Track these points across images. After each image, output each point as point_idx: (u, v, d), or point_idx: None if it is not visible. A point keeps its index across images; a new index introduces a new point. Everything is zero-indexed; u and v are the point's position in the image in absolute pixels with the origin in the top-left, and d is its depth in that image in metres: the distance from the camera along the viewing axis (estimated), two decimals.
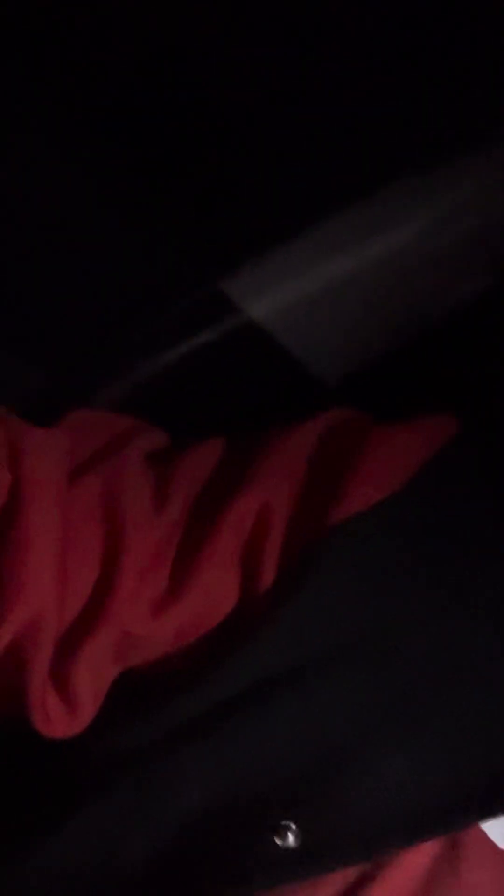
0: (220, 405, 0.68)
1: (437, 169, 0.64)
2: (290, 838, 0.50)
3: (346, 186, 0.64)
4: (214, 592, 0.55)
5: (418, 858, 0.51)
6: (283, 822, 0.51)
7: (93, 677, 0.54)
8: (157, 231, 0.66)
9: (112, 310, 0.66)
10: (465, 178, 0.65)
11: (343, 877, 0.51)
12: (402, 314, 0.67)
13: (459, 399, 0.62)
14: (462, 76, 0.62)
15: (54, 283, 0.66)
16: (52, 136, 0.64)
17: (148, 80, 0.62)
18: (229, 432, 0.61)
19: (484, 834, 0.52)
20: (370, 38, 0.61)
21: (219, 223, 0.65)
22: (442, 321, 0.67)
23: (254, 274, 0.65)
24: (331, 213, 0.64)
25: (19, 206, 0.64)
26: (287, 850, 0.50)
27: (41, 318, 0.66)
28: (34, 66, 0.62)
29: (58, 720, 0.54)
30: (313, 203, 0.64)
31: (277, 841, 0.50)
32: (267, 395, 0.69)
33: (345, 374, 0.69)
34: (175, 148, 0.64)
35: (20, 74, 0.62)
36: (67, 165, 0.64)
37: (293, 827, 0.51)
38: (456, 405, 0.61)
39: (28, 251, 0.65)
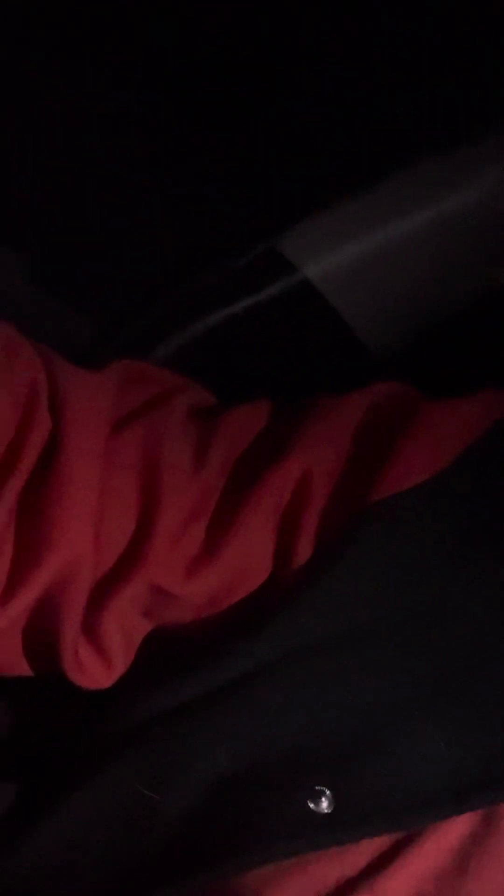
0: (270, 367, 0.68)
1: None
2: (324, 803, 0.50)
3: (409, 147, 0.64)
4: (249, 556, 0.55)
5: (452, 830, 0.51)
6: (318, 787, 0.50)
7: (122, 628, 0.54)
8: (216, 188, 0.65)
9: (167, 267, 0.66)
10: None
11: (375, 845, 0.51)
12: (459, 281, 0.66)
13: None
14: None
15: (113, 236, 0.66)
16: (122, 94, 0.64)
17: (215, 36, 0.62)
18: (277, 396, 0.60)
19: None
20: None
21: (278, 182, 0.65)
22: (501, 291, 0.67)
23: (310, 234, 0.64)
24: (391, 176, 0.64)
25: (83, 159, 0.64)
26: (319, 815, 0.50)
27: (97, 270, 0.66)
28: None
29: (90, 669, 0.54)
30: (373, 165, 0.64)
31: (311, 805, 0.50)
32: (318, 360, 0.68)
33: (398, 346, 0.68)
34: (238, 107, 0.64)
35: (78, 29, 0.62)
36: (129, 120, 0.64)
37: (327, 792, 0.50)
38: None
39: (89, 203, 0.65)
